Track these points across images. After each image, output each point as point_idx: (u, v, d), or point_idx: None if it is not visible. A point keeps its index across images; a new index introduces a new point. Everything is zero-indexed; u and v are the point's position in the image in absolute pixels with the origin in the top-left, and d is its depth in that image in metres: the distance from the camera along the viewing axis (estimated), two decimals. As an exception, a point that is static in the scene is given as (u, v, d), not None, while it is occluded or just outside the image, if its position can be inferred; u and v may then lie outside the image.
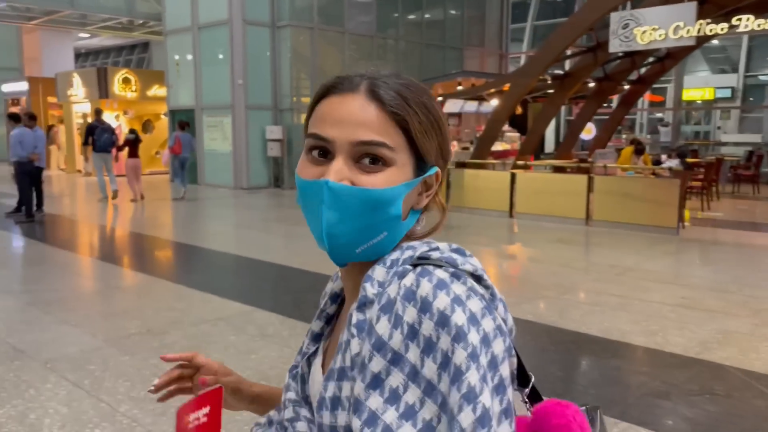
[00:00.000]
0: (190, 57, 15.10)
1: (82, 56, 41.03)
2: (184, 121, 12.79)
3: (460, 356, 0.64)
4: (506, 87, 12.72)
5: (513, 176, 9.85)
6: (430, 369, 0.65)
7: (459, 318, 0.65)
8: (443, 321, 0.65)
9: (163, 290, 5.49)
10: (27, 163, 9.35)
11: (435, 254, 0.73)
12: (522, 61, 24.37)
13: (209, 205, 12.41)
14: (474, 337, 0.65)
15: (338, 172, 0.72)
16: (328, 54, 15.23)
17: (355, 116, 0.73)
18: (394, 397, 0.66)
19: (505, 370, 0.67)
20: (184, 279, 6.08)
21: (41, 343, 4.14)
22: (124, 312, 4.89)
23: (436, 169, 0.78)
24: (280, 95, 14.77)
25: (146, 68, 30.18)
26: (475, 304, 0.67)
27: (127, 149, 12.02)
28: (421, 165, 0.76)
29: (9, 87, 22.32)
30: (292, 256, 7.00)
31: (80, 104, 18.61)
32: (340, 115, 0.74)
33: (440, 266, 0.71)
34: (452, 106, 16.60)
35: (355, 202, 0.72)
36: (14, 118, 9.40)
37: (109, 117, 17.91)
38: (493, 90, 13.83)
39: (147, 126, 18.50)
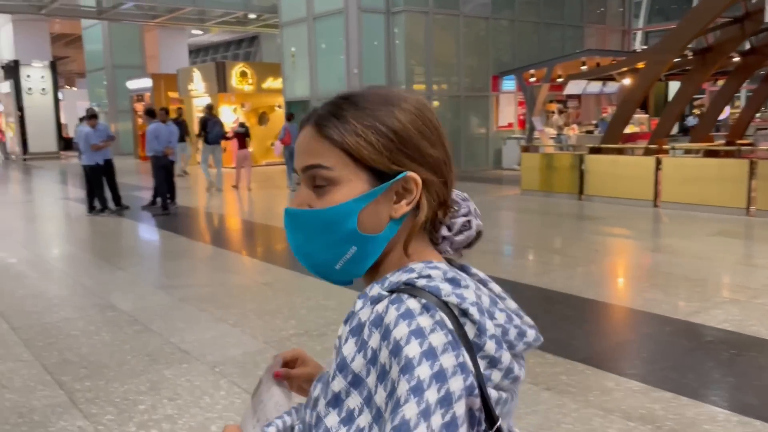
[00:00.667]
0: (304, 47, 15.15)
1: (193, 53, 43.00)
2: (290, 113, 13.10)
3: (402, 388, 0.64)
4: (641, 65, 11.77)
5: (658, 161, 9.03)
6: (380, 397, 0.67)
7: (412, 350, 0.65)
8: (396, 351, 0.66)
9: (309, 287, 5.32)
10: (162, 157, 9.63)
11: (421, 282, 0.73)
12: (639, 38, 22.89)
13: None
14: (423, 371, 0.64)
15: (298, 197, 0.79)
16: (443, 39, 14.81)
17: (304, 145, 0.79)
18: (349, 419, 0.69)
19: (461, 408, 0.65)
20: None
21: (204, 344, 4.05)
22: (277, 310, 4.75)
23: (403, 174, 0.76)
24: (394, 83, 14.52)
25: (256, 61, 30.83)
26: (437, 339, 0.67)
27: (236, 141, 12.50)
28: (380, 175, 0.76)
29: (134, 84, 23.53)
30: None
31: (200, 98, 19.28)
32: (298, 147, 0.80)
33: (416, 295, 0.71)
34: (574, 87, 15.72)
35: (309, 223, 0.77)
36: (150, 114, 9.70)
37: (226, 110, 18.51)
38: (625, 69, 12.87)
39: (262, 118, 18.92)
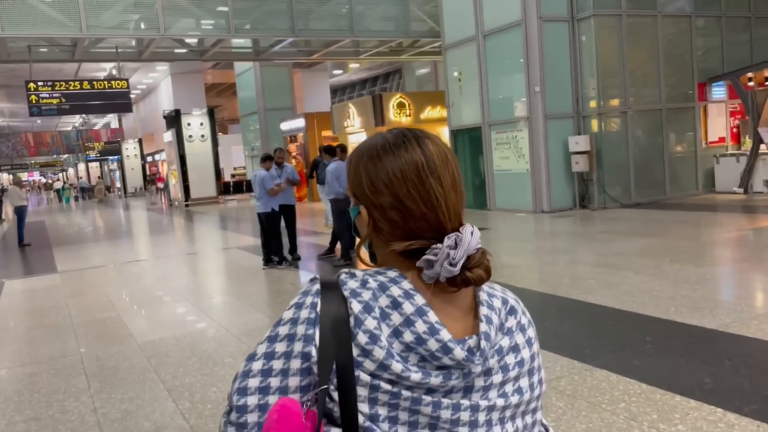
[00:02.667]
0: (473, 69, 13.65)
1: (332, 92, 43.49)
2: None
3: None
4: None
5: None
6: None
7: (285, 314, 0.92)
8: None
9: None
10: (344, 200, 8.41)
11: (343, 275, 0.93)
12: None
13: (510, 233, 10.63)
14: (281, 330, 0.91)
15: None
16: (638, 44, 12.67)
17: None
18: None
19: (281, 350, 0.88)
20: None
21: None
22: None
23: (359, 207, 0.97)
24: (582, 99, 12.58)
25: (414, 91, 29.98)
26: (304, 313, 0.90)
27: None
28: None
29: (287, 125, 23.40)
30: (624, 297, 4.75)
31: (356, 134, 18.44)
32: None
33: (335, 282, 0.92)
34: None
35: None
36: (329, 152, 8.55)
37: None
38: None
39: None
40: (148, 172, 41.02)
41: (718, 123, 13.72)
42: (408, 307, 0.86)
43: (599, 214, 11.72)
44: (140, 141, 40.61)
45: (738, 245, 8.08)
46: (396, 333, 0.85)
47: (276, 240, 8.66)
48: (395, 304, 0.86)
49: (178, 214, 22.01)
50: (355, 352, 0.83)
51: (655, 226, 9.77)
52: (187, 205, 24.37)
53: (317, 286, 0.89)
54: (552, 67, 12.31)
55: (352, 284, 0.88)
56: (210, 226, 16.70)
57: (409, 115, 17.56)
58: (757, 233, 8.70)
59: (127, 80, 17.16)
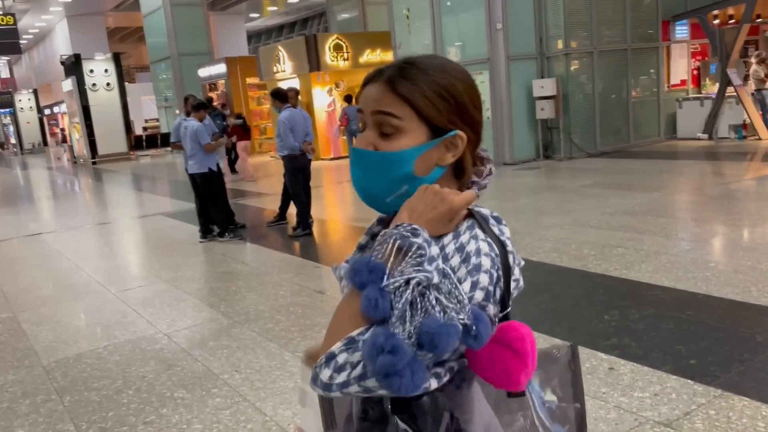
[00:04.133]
0: (425, 6, 12.15)
1: (248, 39, 40.52)
2: (350, 95, 14.24)
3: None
4: None
5: None
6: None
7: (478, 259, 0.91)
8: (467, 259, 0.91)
9: None
10: (300, 156, 6.92)
11: (476, 209, 1.00)
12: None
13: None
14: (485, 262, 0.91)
15: (364, 137, 0.98)
16: (605, -23, 11.56)
17: (376, 95, 0.97)
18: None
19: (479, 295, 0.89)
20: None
21: None
22: None
23: (454, 132, 0.97)
24: (546, 39, 11.42)
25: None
26: (487, 261, 0.91)
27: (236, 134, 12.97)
28: (437, 131, 0.97)
29: (205, 71, 21.10)
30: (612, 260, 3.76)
31: (286, 80, 16.61)
32: (368, 95, 0.99)
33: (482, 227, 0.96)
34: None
35: (373, 163, 0.97)
36: (280, 97, 6.93)
37: (320, 93, 15.77)
38: None
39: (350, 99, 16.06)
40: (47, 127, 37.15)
41: (680, 65, 12.99)
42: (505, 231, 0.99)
43: (567, 165, 10.76)
44: (35, 92, 36.53)
45: (754, 196, 7.28)
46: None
47: (217, 207, 7.09)
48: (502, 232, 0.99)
49: (84, 173, 19.54)
50: (512, 285, 0.94)
51: (642, 178, 8.86)
52: (94, 163, 21.79)
53: (477, 230, 0.94)
54: (514, 2, 11.03)
55: (491, 219, 0.99)
56: (124, 188, 14.64)
57: (347, 59, 15.90)
58: (760, 182, 7.94)
59: (13, 15, 14.50)
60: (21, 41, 36.33)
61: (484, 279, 0.88)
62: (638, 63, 12.19)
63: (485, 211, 0.98)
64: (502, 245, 0.93)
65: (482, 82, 11.37)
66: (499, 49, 11.13)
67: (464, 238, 0.92)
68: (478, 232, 0.93)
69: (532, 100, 11.37)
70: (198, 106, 7.00)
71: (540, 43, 11.43)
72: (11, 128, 36.43)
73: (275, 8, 36.39)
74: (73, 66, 21.48)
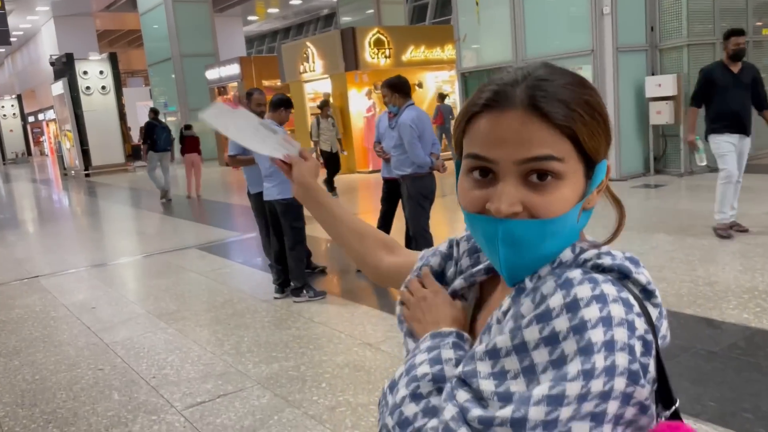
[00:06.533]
0: (502, -13, 10.02)
1: (250, 42, 38.44)
2: (444, 93, 13.72)
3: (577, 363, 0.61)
4: None
5: None
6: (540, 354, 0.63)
7: (596, 335, 0.61)
8: (580, 330, 0.62)
9: None
10: (428, 176, 4.72)
11: (606, 260, 0.69)
12: None
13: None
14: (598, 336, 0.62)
15: (508, 196, 0.68)
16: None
17: (518, 134, 0.67)
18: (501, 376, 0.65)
19: (620, 383, 0.61)
20: None
21: None
22: None
23: (606, 163, 0.72)
24: (660, 26, 9.35)
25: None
26: (637, 329, 0.64)
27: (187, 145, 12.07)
28: (589, 165, 0.71)
29: (215, 73, 18.82)
30: None
31: (315, 81, 14.41)
32: (501, 134, 0.68)
33: (608, 277, 0.67)
34: None
35: (534, 235, 0.68)
36: (403, 90, 4.69)
37: (356, 95, 13.60)
38: None
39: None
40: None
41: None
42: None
43: (689, 182, 8.65)
44: (19, 97, 33.97)
45: None
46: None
47: (297, 250, 4.84)
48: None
49: (76, 187, 17.15)
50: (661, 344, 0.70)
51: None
52: (87, 175, 19.41)
53: (617, 288, 0.66)
54: (623, -18, 8.97)
55: (630, 265, 0.70)
56: (130, 207, 12.32)
57: (389, 56, 13.74)
58: None
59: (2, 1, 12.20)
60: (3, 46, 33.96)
61: (621, 360, 0.61)
62: (759, 56, 10.15)
63: (617, 256, 0.70)
64: (645, 295, 0.69)
65: (582, 79, 9.25)
66: (605, 38, 9.03)
67: (582, 291, 0.64)
68: (606, 288, 0.65)
69: (642, 101, 9.29)
70: (279, 103, 4.77)
71: (651, 32, 9.35)
72: (-8, 137, 33.82)
73: (276, 10, 34.31)
74: (65, 67, 19.10)
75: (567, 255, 0.72)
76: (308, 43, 14.39)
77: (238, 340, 4.18)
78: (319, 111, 11.30)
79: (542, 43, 9.69)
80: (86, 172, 19.48)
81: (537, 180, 0.67)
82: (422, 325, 0.82)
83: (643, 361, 0.63)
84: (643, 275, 0.70)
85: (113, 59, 19.90)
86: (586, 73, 9.13)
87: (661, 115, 9.01)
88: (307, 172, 1.11)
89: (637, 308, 0.65)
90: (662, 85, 8.95)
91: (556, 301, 0.64)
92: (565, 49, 9.41)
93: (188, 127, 12.59)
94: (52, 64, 20.28)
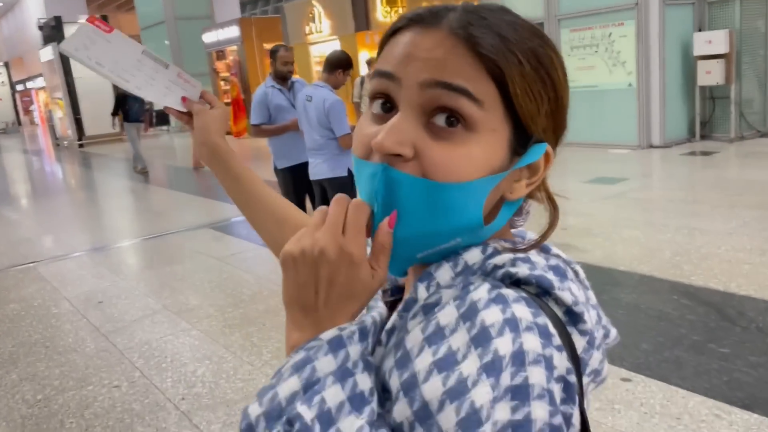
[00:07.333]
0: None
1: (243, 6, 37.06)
2: None
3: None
4: None
5: None
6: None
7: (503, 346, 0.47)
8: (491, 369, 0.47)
9: None
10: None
11: (522, 269, 0.54)
12: None
13: (661, 183, 6.68)
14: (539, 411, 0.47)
15: (397, 130, 0.53)
16: None
17: (432, 53, 0.53)
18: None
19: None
20: None
21: None
22: None
23: (545, 146, 0.56)
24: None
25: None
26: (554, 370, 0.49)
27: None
28: (520, 137, 0.55)
29: (212, 35, 17.82)
30: None
31: (323, 44, 13.52)
32: (412, 51, 0.54)
33: (522, 294, 0.52)
34: None
35: (418, 200, 0.53)
36: (344, 65, 3.82)
37: (366, 57, 12.73)
38: None
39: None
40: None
41: None
42: (580, 294, 0.57)
43: (750, 149, 7.94)
44: (7, 65, 32.80)
45: None
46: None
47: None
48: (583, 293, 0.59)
49: (70, 159, 16.32)
50: (585, 381, 0.56)
51: None
52: (80, 146, 18.56)
53: (532, 310, 0.51)
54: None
55: (553, 277, 0.54)
56: (130, 181, 11.56)
57: (402, 15, 12.86)
58: None
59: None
60: (-12, 9, 32.60)
61: (539, 412, 0.47)
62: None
63: (537, 264, 0.56)
64: (570, 318, 0.54)
65: (623, 36, 8.47)
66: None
67: (488, 318, 0.48)
68: (518, 310, 0.49)
69: (689, 60, 8.52)
70: (337, 63, 3.94)
71: (701, -19, 8.54)
72: (-20, 107, 32.70)
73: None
74: (53, 32, 18.08)
75: (474, 256, 0.56)
76: (314, 2, 13.46)
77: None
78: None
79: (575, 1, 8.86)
80: (80, 142, 18.63)
81: (443, 124, 0.52)
82: (304, 313, 0.55)
83: (565, 410, 0.49)
84: (568, 292, 0.54)
85: (105, 21, 18.81)
86: (629, 29, 8.35)
87: (710, 75, 8.25)
88: (213, 124, 0.91)
89: (557, 339, 0.50)
90: (713, 41, 8.16)
91: (459, 340, 0.48)
92: (605, 3, 8.57)
93: None
94: (40, 28, 19.25)
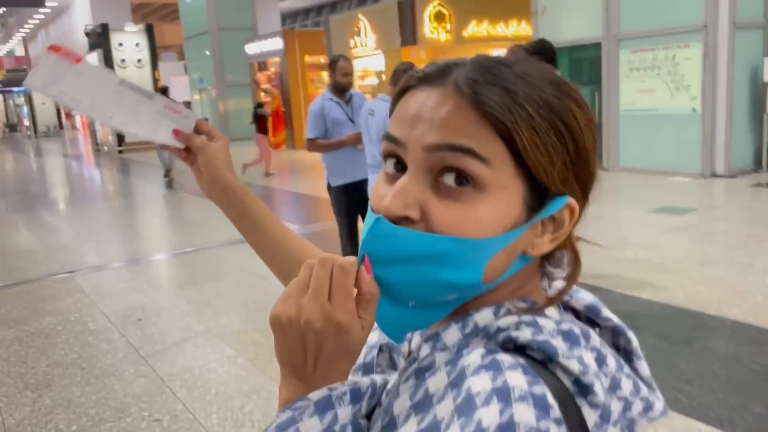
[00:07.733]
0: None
1: (283, 20, 37.50)
2: None
3: None
4: None
5: None
6: None
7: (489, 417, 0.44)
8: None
9: None
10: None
11: (524, 333, 0.50)
12: None
13: (747, 221, 6.22)
14: None
15: (403, 193, 0.51)
16: None
17: (436, 113, 0.51)
18: None
19: None
20: None
21: None
22: None
23: (566, 199, 0.52)
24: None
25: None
26: None
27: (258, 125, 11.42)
28: (536, 192, 0.52)
29: (255, 47, 17.82)
30: None
31: (368, 57, 13.33)
32: (417, 111, 0.53)
33: (519, 361, 0.48)
34: None
35: (415, 248, 0.51)
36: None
37: (412, 72, 12.48)
38: None
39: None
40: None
41: None
42: (615, 357, 0.55)
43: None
44: (51, 70, 33.41)
45: None
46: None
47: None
48: (617, 361, 0.55)
49: (109, 164, 16.36)
50: None
51: None
52: (120, 152, 18.67)
53: (529, 378, 0.47)
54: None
55: (561, 344, 0.50)
56: (164, 188, 11.45)
57: (450, 31, 12.60)
58: None
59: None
60: (38, 16, 33.39)
61: None
62: None
63: (545, 328, 0.51)
64: (579, 389, 0.49)
65: (688, 59, 8.05)
66: (721, 10, 7.78)
67: (475, 385, 0.46)
68: (512, 378, 0.46)
69: (757, 86, 8.06)
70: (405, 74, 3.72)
71: (771, 6, 8.09)
72: (25, 109, 33.35)
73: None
74: (99, 39, 18.30)
75: (485, 317, 0.54)
76: (360, 15, 13.30)
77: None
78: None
79: (641, 16, 8.47)
80: (119, 148, 18.75)
81: (452, 183, 0.50)
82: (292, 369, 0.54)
83: None
84: (575, 361, 0.49)
85: (149, 31, 19.05)
86: (695, 52, 7.94)
87: (782, 102, 7.78)
88: (219, 158, 0.83)
89: (556, 411, 0.45)
90: (786, 67, 7.70)
91: (444, 409, 0.47)
92: (670, 24, 8.17)
93: (260, 105, 12.12)
94: (87, 34, 19.50)
